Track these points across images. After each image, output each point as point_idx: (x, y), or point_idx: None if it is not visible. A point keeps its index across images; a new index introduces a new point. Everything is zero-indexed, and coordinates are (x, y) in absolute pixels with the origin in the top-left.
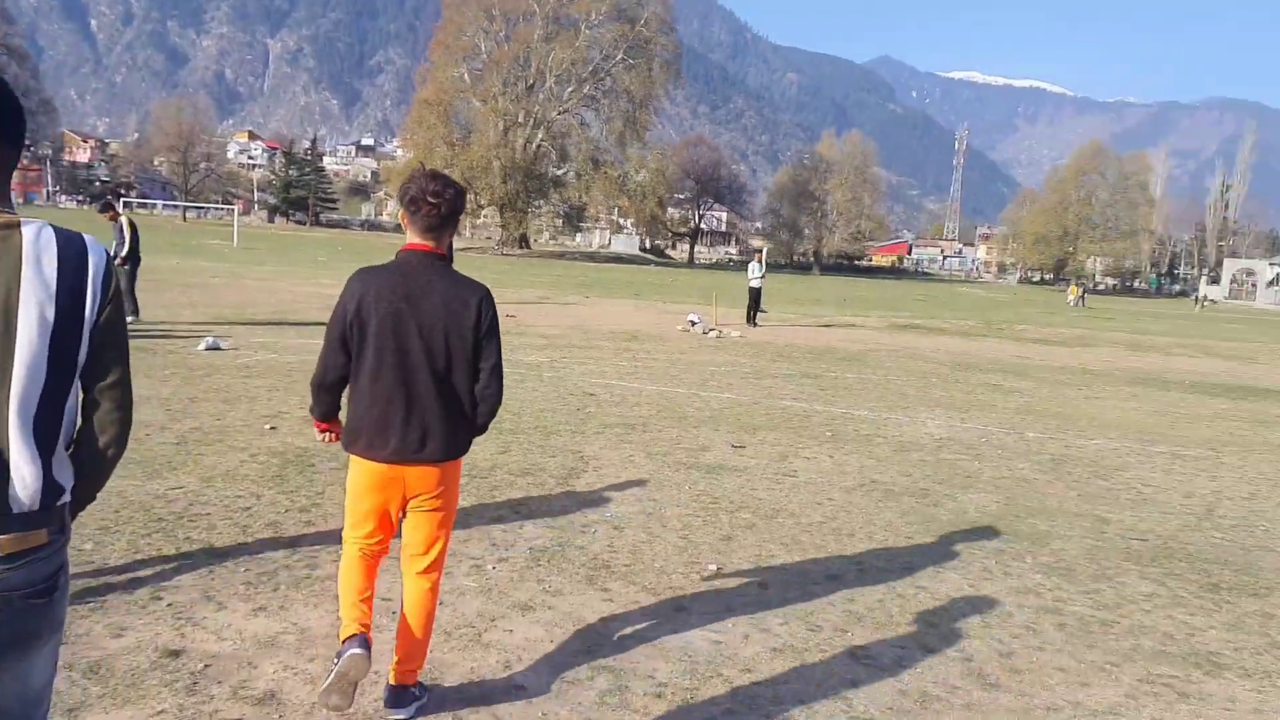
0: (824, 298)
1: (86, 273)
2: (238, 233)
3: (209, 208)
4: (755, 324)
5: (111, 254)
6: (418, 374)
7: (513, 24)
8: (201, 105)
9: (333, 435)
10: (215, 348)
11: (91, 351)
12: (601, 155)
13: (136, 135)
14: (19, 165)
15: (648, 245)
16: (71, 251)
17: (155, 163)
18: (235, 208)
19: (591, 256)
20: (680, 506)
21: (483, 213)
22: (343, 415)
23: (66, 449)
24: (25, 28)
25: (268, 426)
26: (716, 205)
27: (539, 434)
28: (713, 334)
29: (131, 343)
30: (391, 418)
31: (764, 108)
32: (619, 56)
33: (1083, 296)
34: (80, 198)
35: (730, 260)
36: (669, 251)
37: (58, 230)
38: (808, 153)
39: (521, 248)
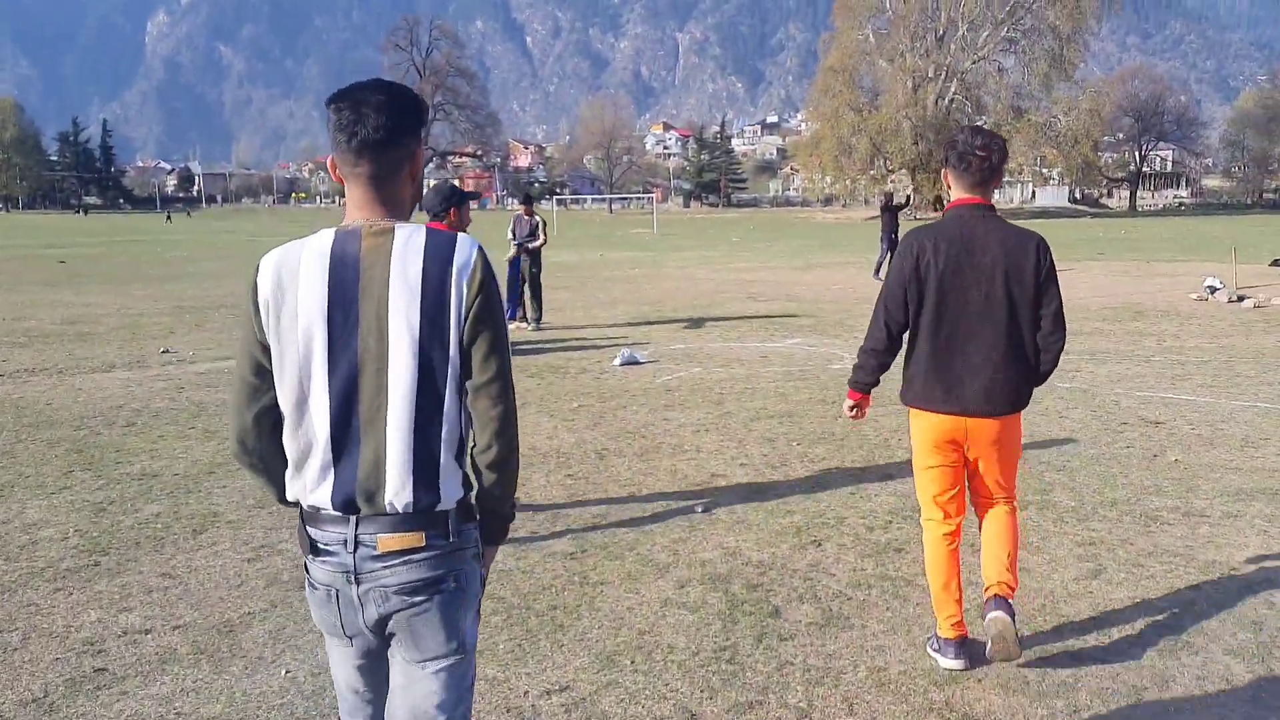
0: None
1: (450, 270)
2: (657, 220)
3: (631, 198)
4: None
5: (481, 250)
6: (981, 324)
7: None
8: (621, 103)
9: (860, 411)
10: (633, 362)
11: (463, 350)
12: (1023, 102)
13: (568, 138)
14: (474, 174)
15: (1078, 196)
16: (437, 252)
17: (584, 161)
18: (653, 196)
19: (1015, 214)
20: None
21: (891, 177)
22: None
23: (457, 454)
24: (474, 51)
25: (698, 509)
26: (1161, 144)
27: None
28: (1248, 303)
29: (541, 360)
30: (955, 370)
31: (1207, 29)
32: None
33: None
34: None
35: (1181, 205)
36: (1104, 200)
37: (431, 233)
38: None
39: (936, 209)
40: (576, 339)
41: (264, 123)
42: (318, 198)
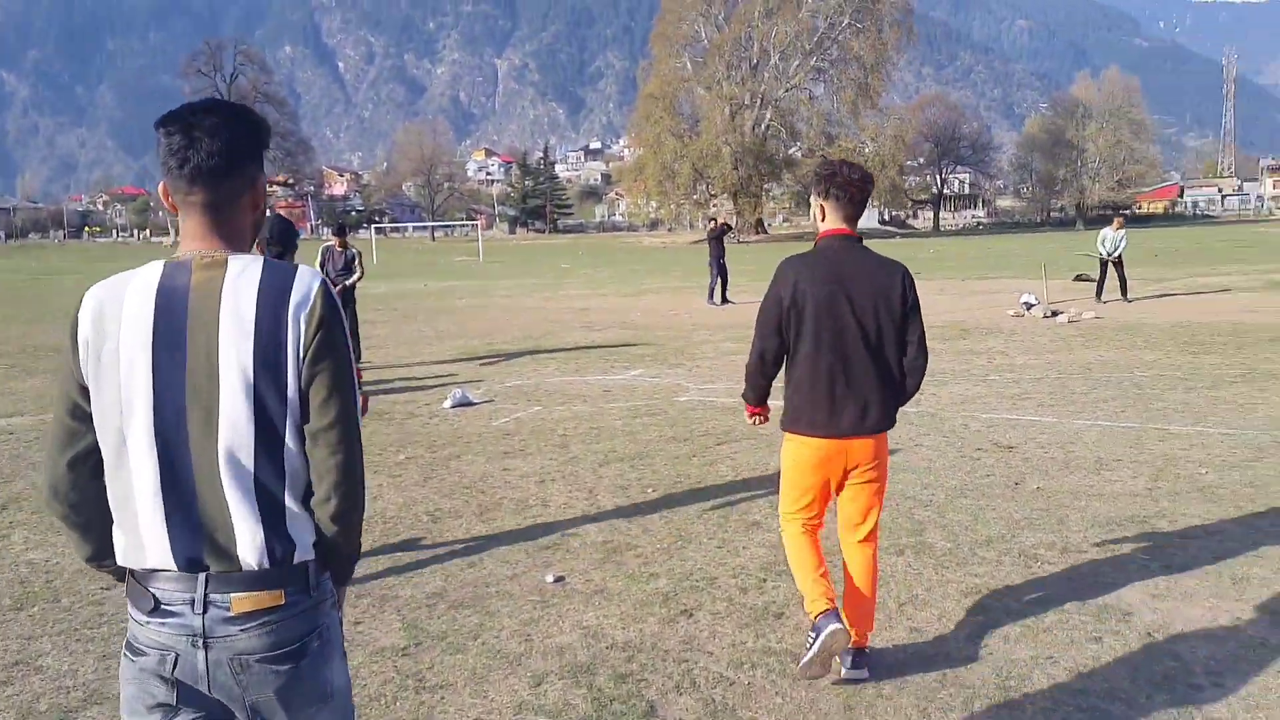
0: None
1: (287, 306)
2: (482, 247)
3: (455, 225)
4: (1129, 299)
5: (324, 284)
6: (855, 351)
7: (732, 5)
8: (440, 129)
9: (763, 418)
10: (465, 403)
11: (301, 391)
12: (833, 129)
13: (385, 164)
14: (286, 204)
15: (887, 218)
16: (273, 285)
17: (403, 188)
18: (478, 223)
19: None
20: None
21: (714, 201)
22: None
23: (301, 503)
24: (283, 76)
25: (549, 579)
26: (958, 167)
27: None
28: (1062, 318)
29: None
30: (835, 395)
31: (994, 60)
32: (845, 22)
33: None
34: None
35: (979, 224)
36: (911, 221)
37: (268, 265)
38: (1060, 98)
39: (758, 233)
40: (401, 379)
41: (52, 152)
42: (114, 231)
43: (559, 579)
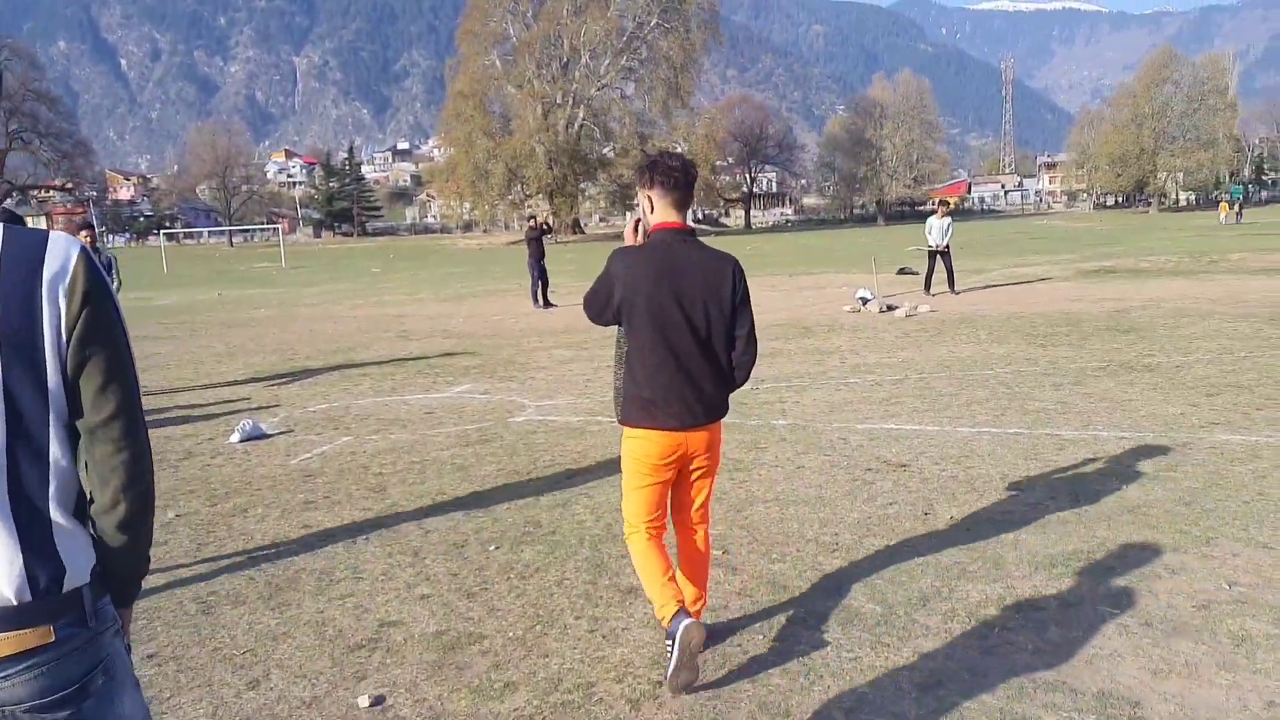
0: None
1: (39, 280)
2: (285, 252)
3: (255, 229)
4: (956, 291)
5: (84, 251)
6: (687, 344)
7: (539, 2)
8: (236, 129)
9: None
10: (257, 435)
11: (67, 382)
12: (646, 128)
13: (176, 167)
14: (65, 209)
15: (700, 216)
16: (21, 256)
17: (197, 191)
18: (279, 227)
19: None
20: None
21: (529, 202)
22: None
23: (76, 510)
24: (58, 74)
25: (363, 701)
26: (766, 166)
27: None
28: (899, 312)
29: None
30: (670, 388)
31: (793, 63)
32: (653, 22)
33: (1239, 212)
34: (128, 234)
35: (788, 221)
36: (723, 219)
37: (10, 232)
38: (859, 100)
39: (575, 233)
40: (180, 407)
41: None
42: None
43: (376, 700)
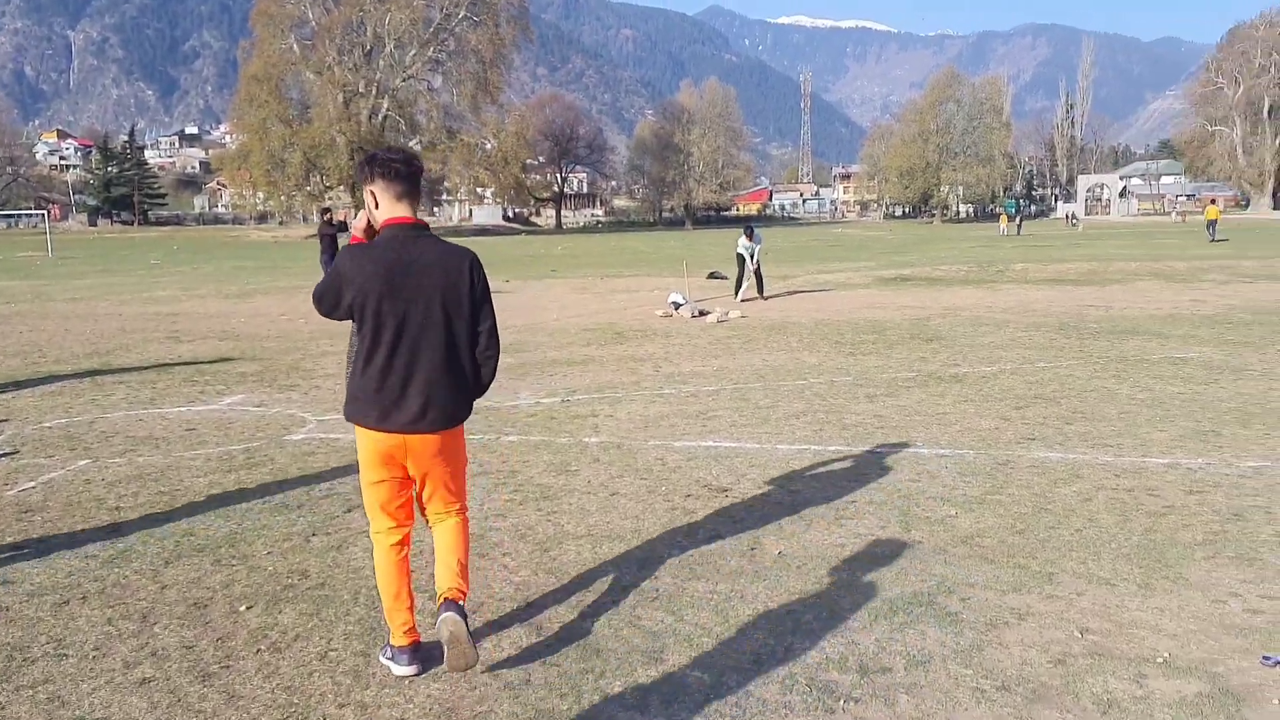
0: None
1: None
2: (52, 241)
3: (19, 215)
4: (764, 296)
5: None
6: (419, 343)
7: None
8: (1, 106)
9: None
10: None
11: None
12: (454, 123)
13: None
14: None
15: (511, 215)
16: None
17: None
18: (48, 213)
19: (456, 231)
20: None
21: (329, 194)
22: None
23: None
24: None
25: None
26: (577, 167)
27: None
28: (711, 318)
29: None
30: (394, 388)
31: (603, 65)
32: (461, 14)
33: (1019, 224)
34: None
35: (599, 222)
36: (534, 219)
37: None
38: (668, 105)
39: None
40: None
41: None
42: None
43: None
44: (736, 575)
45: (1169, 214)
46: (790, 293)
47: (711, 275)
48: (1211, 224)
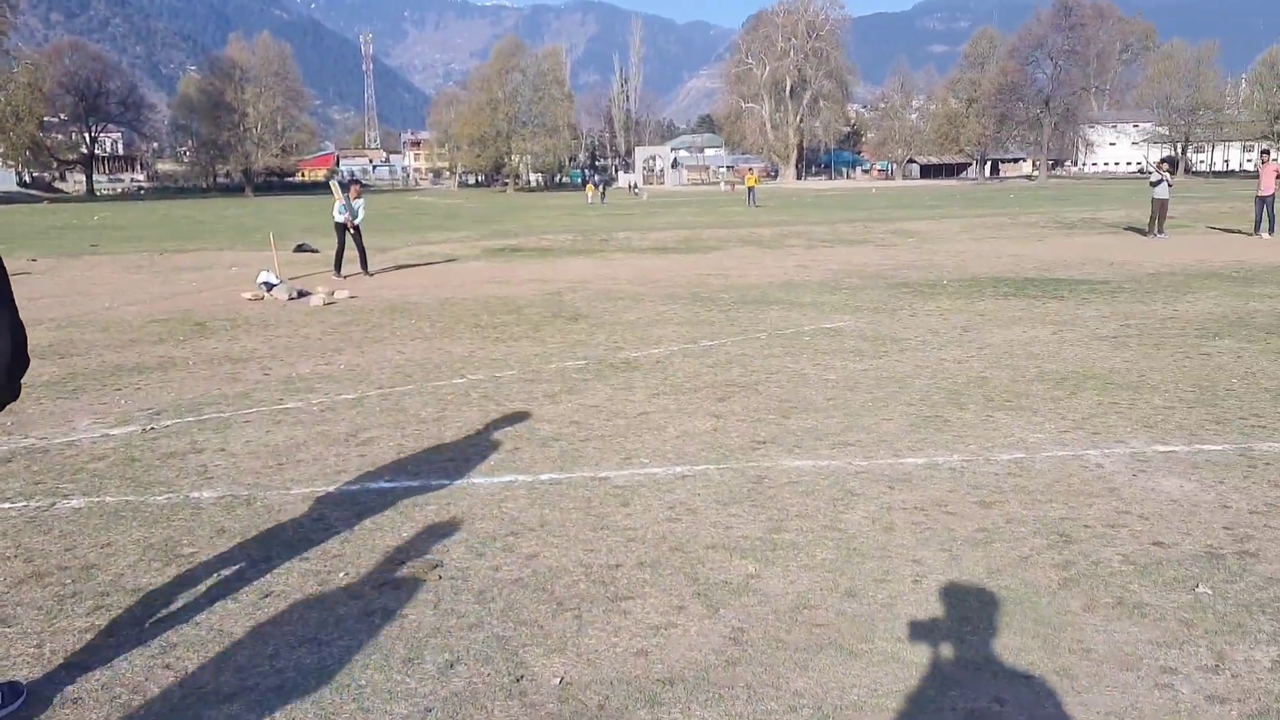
0: (317, 225)
1: None
2: None
3: None
4: (370, 273)
5: None
6: None
7: None
8: None
9: None
10: None
11: None
12: None
13: None
14: None
15: (29, 179)
16: None
17: None
18: None
19: None
20: None
21: None
22: None
23: None
24: None
25: None
26: (110, 126)
27: None
28: (315, 299)
29: None
30: None
31: (132, 14)
32: None
33: (604, 193)
34: None
35: (141, 189)
36: (59, 185)
37: None
38: (216, 60)
39: None
40: None
41: None
42: None
43: None
44: (495, 712)
45: (716, 183)
46: (397, 266)
47: (300, 248)
48: (751, 191)
